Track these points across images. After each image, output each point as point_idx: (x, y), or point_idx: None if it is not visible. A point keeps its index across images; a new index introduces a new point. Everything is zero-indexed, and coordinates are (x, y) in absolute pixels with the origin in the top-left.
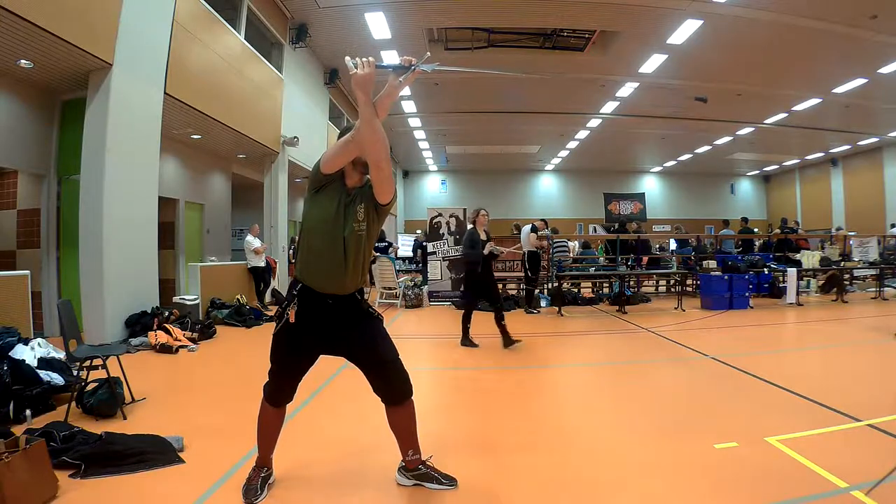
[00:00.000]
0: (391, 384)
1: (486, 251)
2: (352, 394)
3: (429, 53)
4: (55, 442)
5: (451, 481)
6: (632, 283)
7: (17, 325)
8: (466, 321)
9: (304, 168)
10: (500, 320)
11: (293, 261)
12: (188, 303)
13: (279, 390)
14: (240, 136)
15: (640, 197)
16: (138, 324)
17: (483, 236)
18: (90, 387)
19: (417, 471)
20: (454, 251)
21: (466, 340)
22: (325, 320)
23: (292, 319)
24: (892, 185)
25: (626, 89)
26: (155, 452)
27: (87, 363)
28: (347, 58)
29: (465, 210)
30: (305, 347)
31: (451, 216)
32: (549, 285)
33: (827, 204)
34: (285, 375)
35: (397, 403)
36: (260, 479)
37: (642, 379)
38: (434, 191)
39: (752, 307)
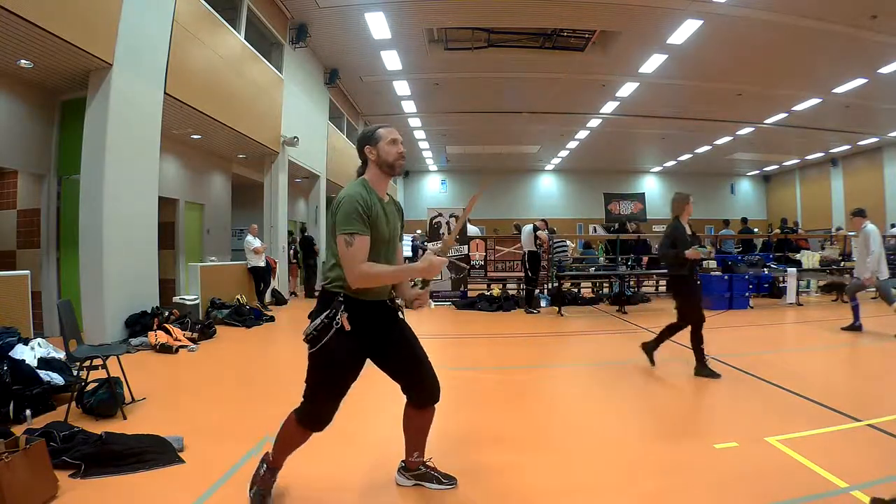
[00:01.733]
0: (428, 384)
1: (688, 254)
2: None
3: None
4: (55, 442)
5: (450, 481)
6: (632, 283)
7: (17, 325)
8: (698, 342)
9: (303, 168)
10: (697, 342)
11: (294, 261)
12: (188, 303)
13: (327, 412)
14: (240, 136)
15: (641, 197)
16: (138, 324)
17: (689, 231)
18: (90, 387)
19: (417, 471)
20: (454, 251)
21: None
22: (375, 323)
23: (347, 326)
24: (892, 185)
25: (626, 89)
26: (155, 452)
27: (87, 363)
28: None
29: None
30: (358, 356)
31: (451, 216)
32: (549, 285)
33: (827, 204)
34: (338, 393)
35: (428, 405)
36: (272, 481)
37: (642, 379)
38: (434, 191)
39: (752, 307)
